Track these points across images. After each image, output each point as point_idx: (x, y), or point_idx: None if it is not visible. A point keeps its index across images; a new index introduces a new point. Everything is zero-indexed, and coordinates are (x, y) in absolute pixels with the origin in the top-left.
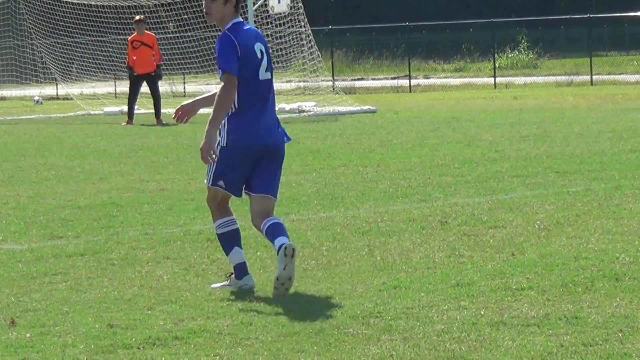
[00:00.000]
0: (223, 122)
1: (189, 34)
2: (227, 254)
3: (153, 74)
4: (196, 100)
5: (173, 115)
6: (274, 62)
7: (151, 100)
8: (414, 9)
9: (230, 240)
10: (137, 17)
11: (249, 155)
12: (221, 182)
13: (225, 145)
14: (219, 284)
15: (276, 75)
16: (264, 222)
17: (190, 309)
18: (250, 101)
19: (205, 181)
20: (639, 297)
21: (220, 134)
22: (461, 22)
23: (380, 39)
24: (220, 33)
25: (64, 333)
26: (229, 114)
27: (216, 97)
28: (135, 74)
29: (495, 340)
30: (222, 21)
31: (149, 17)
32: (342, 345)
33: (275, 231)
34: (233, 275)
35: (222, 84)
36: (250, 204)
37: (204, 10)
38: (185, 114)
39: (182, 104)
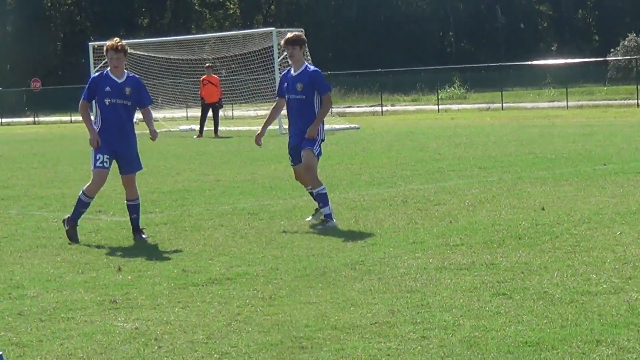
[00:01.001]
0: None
1: (236, 77)
2: (326, 206)
3: (217, 104)
4: (262, 127)
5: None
6: None
7: (212, 122)
8: (385, 60)
9: (326, 197)
10: (208, 64)
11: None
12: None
13: (324, 138)
14: (310, 218)
15: None
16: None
17: (237, 259)
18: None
19: (315, 152)
20: (535, 250)
21: (320, 130)
22: (416, 69)
23: (362, 80)
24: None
25: (153, 275)
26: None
27: (325, 106)
28: (206, 102)
29: (439, 279)
30: (299, 61)
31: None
32: (337, 283)
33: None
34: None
35: (327, 98)
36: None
37: (290, 55)
38: (259, 140)
39: (256, 134)
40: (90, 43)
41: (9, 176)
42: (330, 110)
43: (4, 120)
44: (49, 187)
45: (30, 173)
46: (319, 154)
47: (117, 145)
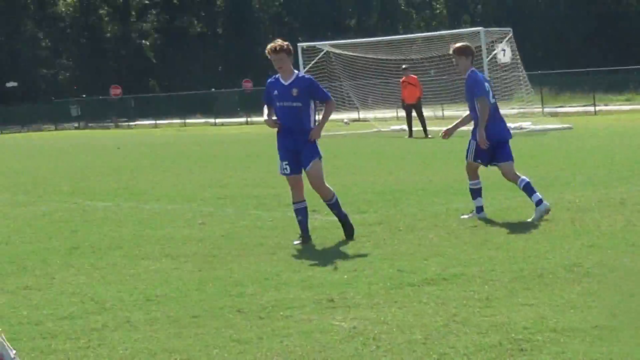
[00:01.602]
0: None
1: (445, 77)
2: (473, 199)
3: (415, 103)
4: (455, 124)
5: (441, 134)
6: (502, 97)
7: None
8: (597, 58)
9: (478, 192)
10: (404, 66)
11: (491, 144)
12: (479, 160)
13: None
14: (466, 216)
15: (502, 104)
16: (519, 180)
17: (452, 260)
18: (490, 115)
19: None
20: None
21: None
22: (629, 67)
23: (573, 79)
24: (464, 77)
25: (369, 275)
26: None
27: (482, 112)
28: (406, 104)
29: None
30: (465, 70)
31: (418, 66)
32: (555, 285)
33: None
34: (475, 211)
35: (481, 103)
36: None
37: (456, 64)
38: (447, 134)
39: (446, 128)
40: (299, 44)
41: (224, 176)
42: (534, 110)
43: (217, 120)
44: (262, 187)
45: (244, 173)
46: (474, 157)
47: (294, 146)
